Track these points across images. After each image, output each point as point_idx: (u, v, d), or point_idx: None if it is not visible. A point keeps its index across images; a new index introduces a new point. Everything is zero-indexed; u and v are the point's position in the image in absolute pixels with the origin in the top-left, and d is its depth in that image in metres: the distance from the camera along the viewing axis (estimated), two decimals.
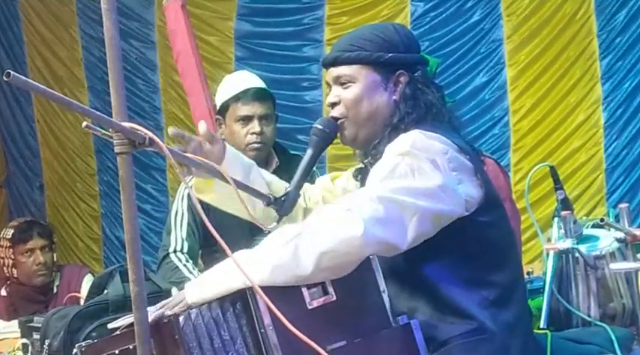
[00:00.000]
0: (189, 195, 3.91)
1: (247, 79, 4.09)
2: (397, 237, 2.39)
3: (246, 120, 3.94)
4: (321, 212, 2.43)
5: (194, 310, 2.24)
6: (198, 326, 2.23)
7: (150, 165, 7.40)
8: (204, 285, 2.33)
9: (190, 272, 3.82)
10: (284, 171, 3.92)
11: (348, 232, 2.30)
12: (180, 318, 2.22)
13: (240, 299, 2.23)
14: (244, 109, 3.95)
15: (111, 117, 2.14)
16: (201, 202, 3.75)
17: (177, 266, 3.87)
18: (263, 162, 4.00)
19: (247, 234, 3.62)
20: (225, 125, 4.00)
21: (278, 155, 4.06)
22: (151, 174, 7.48)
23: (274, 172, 3.95)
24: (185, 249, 3.93)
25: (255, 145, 3.95)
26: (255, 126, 3.94)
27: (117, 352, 2.36)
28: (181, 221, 3.96)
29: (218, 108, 4.05)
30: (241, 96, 3.95)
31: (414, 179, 2.44)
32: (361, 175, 2.80)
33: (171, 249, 3.94)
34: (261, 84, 4.07)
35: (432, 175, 2.46)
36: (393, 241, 2.38)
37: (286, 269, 2.28)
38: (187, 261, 3.90)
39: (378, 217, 2.35)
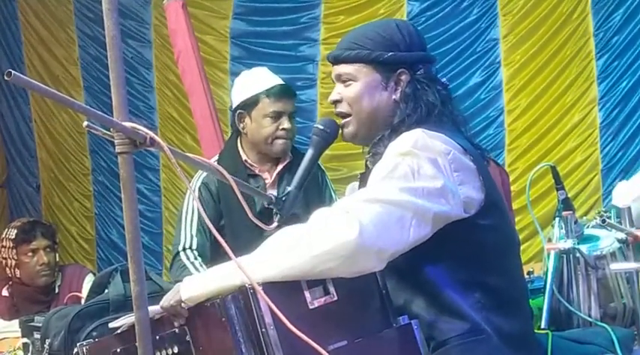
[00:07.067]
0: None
1: (272, 76, 4.15)
2: (394, 240, 2.37)
3: (277, 116, 4.03)
4: (321, 214, 2.41)
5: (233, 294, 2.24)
6: (238, 310, 2.23)
7: (143, 165, 7.38)
8: (199, 282, 2.35)
9: (197, 270, 3.84)
10: (294, 168, 3.94)
11: (344, 235, 2.29)
12: (227, 300, 2.22)
13: (242, 298, 2.23)
14: (276, 105, 4.02)
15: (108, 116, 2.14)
16: (222, 203, 3.82)
17: (184, 265, 3.89)
18: (277, 157, 4.08)
19: (259, 235, 3.62)
20: (250, 119, 4.04)
21: (291, 152, 4.12)
22: (144, 173, 7.44)
23: (285, 167, 4.02)
24: (194, 246, 3.96)
25: (284, 140, 4.04)
26: (285, 122, 4.03)
27: (119, 350, 2.36)
28: (192, 218, 4.01)
29: (244, 101, 4.06)
30: (273, 92, 4.03)
31: (413, 180, 2.43)
32: (361, 175, 2.79)
33: (180, 247, 3.97)
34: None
35: (432, 176, 2.45)
36: (389, 245, 2.36)
37: (282, 270, 2.29)
38: (196, 259, 3.93)
39: (375, 220, 2.34)
